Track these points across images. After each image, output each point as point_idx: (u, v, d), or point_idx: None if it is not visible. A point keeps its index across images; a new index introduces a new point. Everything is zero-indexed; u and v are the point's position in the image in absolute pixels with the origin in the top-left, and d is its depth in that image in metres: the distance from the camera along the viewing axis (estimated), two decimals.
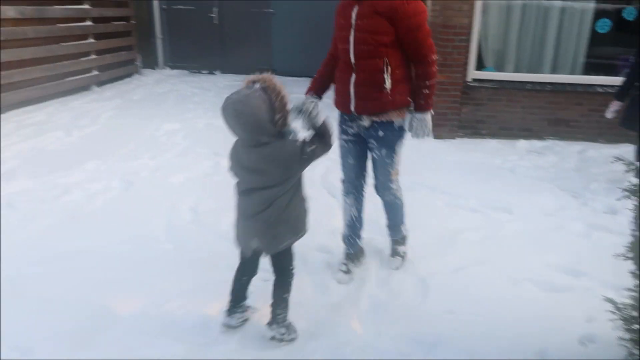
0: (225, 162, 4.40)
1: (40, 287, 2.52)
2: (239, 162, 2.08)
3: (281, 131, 1.99)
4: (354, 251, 2.84)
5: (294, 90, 8.77)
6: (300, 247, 2.96)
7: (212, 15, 9.23)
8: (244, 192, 2.11)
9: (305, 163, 2.05)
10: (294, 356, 2.15)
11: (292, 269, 2.25)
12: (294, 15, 9.08)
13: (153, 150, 4.73)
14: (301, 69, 9.19)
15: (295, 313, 2.28)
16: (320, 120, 2.08)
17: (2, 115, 5.55)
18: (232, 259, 2.81)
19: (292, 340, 2.23)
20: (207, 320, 2.34)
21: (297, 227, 2.18)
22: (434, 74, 2.42)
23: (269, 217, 2.05)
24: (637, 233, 1.92)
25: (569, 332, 2.28)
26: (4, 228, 3.07)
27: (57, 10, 6.82)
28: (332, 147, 2.12)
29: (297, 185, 2.17)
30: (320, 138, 2.07)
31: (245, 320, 2.34)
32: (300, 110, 2.08)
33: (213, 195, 3.76)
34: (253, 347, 2.21)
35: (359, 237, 2.87)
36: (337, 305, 2.51)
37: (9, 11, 5.86)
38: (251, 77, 2.02)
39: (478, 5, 5.40)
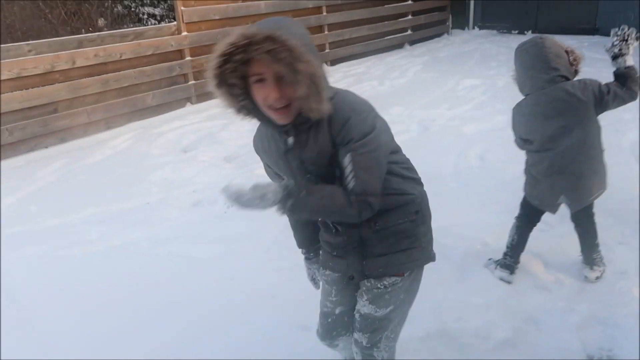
0: None
1: None
2: (530, 111, 2.10)
3: (577, 71, 2.02)
4: None
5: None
6: None
7: None
8: (543, 145, 2.11)
9: (605, 106, 1.96)
10: None
11: (594, 215, 2.26)
12: None
13: (451, 102, 4.99)
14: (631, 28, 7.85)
15: None
16: (629, 60, 1.92)
17: (332, 67, 6.72)
18: (508, 204, 2.89)
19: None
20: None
21: (603, 178, 2.13)
22: None
23: (579, 170, 2.06)
24: None
25: None
26: None
27: None
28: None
29: (598, 135, 2.07)
30: (624, 82, 1.93)
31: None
32: (616, 34, 1.99)
33: (503, 147, 3.78)
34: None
35: None
36: None
37: None
38: None
39: None
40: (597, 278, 2.29)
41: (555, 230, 2.64)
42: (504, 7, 9.21)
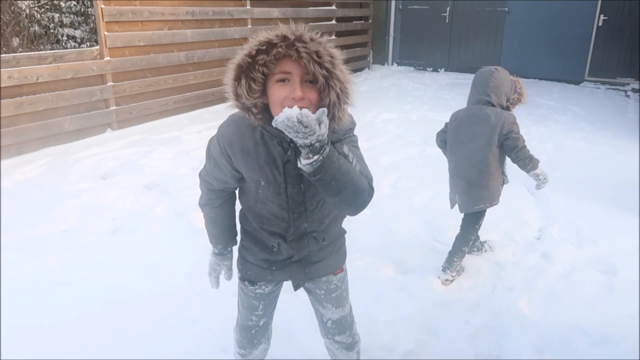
0: (431, 150, 4.74)
1: None
2: (457, 118, 2.60)
3: (509, 107, 2.51)
4: None
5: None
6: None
7: (444, 14, 9.50)
8: (452, 147, 2.62)
9: (511, 142, 2.41)
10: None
11: (477, 229, 2.67)
12: (529, 14, 8.71)
13: (369, 134, 5.31)
14: (530, 70, 8.81)
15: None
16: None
17: None
18: (415, 229, 3.15)
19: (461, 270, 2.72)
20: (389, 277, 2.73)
21: (494, 196, 2.55)
22: None
23: (471, 178, 2.52)
24: None
25: None
26: None
27: (310, 11, 8.05)
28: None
29: (497, 160, 2.50)
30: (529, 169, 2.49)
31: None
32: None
33: (414, 177, 4.12)
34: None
35: None
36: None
37: (275, 12, 7.21)
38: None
39: None
40: (447, 281, 2.66)
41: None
42: (420, 47, 9.96)
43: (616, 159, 4.62)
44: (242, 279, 1.62)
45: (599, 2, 8.11)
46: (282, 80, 1.20)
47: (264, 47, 1.17)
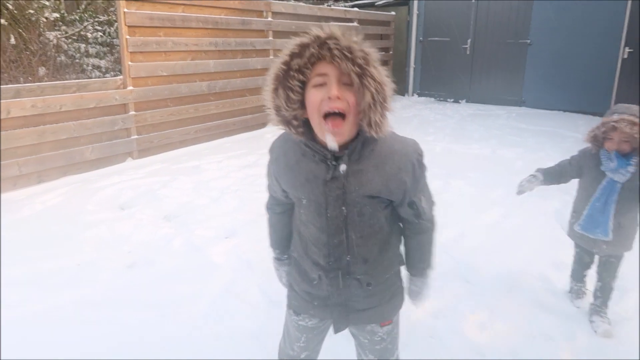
0: (456, 183, 4.59)
1: None
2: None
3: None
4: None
5: (546, 122, 8.32)
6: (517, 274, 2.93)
7: (465, 46, 9.46)
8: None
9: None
10: None
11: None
12: (552, 47, 8.61)
13: None
14: (553, 102, 8.66)
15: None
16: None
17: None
18: (445, 270, 2.97)
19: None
20: None
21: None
22: None
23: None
24: None
25: None
26: None
27: None
28: None
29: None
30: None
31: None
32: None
33: (439, 211, 3.95)
34: None
35: None
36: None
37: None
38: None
39: None
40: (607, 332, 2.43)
41: None
42: (440, 78, 9.90)
43: None
44: (288, 305, 1.53)
45: (624, 35, 7.98)
46: (320, 85, 1.15)
47: (298, 51, 1.13)
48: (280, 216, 1.51)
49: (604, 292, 2.52)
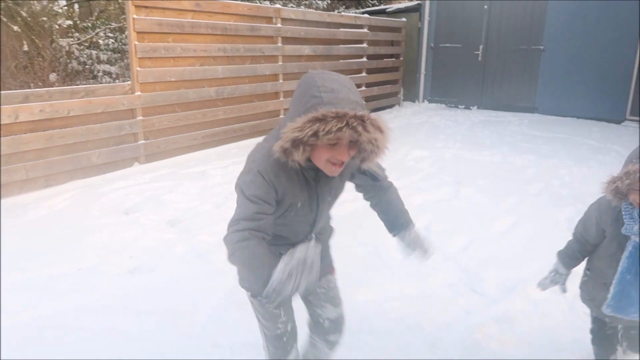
0: (466, 191, 4.49)
1: None
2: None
3: None
4: None
5: (559, 129, 8.19)
6: None
7: (477, 52, 9.37)
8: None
9: None
10: None
11: None
12: (566, 53, 8.49)
13: (400, 172, 5.10)
14: (567, 109, 8.53)
15: None
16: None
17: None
18: (452, 279, 2.90)
19: None
20: None
21: None
22: None
23: None
24: None
25: None
26: None
27: (342, 49, 8.04)
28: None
29: None
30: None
31: None
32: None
33: (448, 219, 3.87)
34: None
35: None
36: None
37: (306, 49, 7.22)
38: None
39: None
40: None
41: None
42: (451, 84, 9.81)
43: None
44: (253, 296, 1.64)
45: (639, 41, 7.83)
46: (334, 144, 1.30)
47: (327, 128, 1.22)
48: (266, 241, 1.40)
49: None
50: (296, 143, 1.25)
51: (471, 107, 9.61)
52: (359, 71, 8.54)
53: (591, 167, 5.42)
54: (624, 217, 1.77)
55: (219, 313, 2.55)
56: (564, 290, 2.06)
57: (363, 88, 8.57)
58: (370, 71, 8.76)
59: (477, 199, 4.39)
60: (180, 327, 2.46)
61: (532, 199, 4.37)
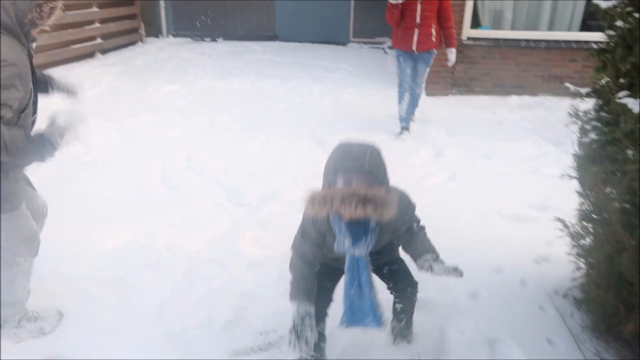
0: (221, 119, 4.63)
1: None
2: None
3: None
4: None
5: (298, 54, 8.83)
6: None
7: None
8: None
9: None
10: None
11: None
12: None
13: (152, 109, 4.91)
14: (303, 35, 9.28)
15: None
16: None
17: None
18: (218, 199, 3.03)
19: None
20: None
21: None
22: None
23: None
24: (580, 153, 2.06)
25: (527, 253, 2.45)
26: None
27: None
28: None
29: None
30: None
31: None
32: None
33: (207, 146, 3.97)
34: None
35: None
36: None
37: None
38: None
39: None
40: None
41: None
42: (194, 16, 9.59)
43: (383, 104, 5.21)
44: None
45: None
46: None
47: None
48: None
49: None
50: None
51: (217, 39, 9.63)
52: (89, 5, 7.59)
53: (326, 84, 6.15)
54: (333, 229, 1.64)
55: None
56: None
57: (97, 25, 7.70)
58: (102, 5, 7.87)
59: (231, 124, 4.58)
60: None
61: (279, 117, 4.79)
